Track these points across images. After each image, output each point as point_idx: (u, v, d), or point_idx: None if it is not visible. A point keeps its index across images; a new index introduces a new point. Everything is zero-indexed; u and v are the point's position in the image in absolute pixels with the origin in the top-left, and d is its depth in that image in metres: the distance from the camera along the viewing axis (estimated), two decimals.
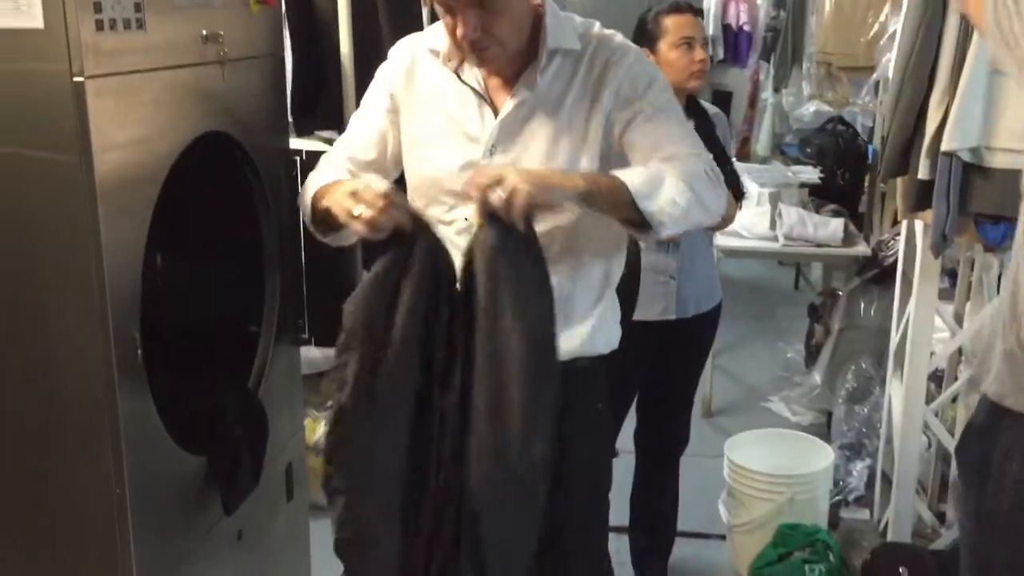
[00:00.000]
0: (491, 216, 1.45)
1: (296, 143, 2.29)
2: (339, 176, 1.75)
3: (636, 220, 1.57)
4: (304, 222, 1.85)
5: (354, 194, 1.53)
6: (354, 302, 1.57)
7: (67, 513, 1.68)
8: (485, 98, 1.73)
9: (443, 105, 1.76)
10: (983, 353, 1.64)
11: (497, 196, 1.42)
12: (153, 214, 1.68)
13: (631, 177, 1.57)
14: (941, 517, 3.00)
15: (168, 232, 1.78)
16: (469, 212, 1.63)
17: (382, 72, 1.84)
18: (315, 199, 1.73)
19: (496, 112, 1.72)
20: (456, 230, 1.72)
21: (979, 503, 1.63)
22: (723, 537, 3.19)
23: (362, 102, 1.88)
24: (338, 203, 1.57)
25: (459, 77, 1.74)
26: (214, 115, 1.87)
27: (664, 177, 1.58)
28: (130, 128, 1.61)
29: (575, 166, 1.69)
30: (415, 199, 1.77)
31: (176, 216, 1.77)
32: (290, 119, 2.41)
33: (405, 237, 1.53)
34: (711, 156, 1.72)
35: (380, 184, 1.55)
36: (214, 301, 2.13)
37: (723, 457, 3.10)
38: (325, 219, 1.70)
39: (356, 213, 1.50)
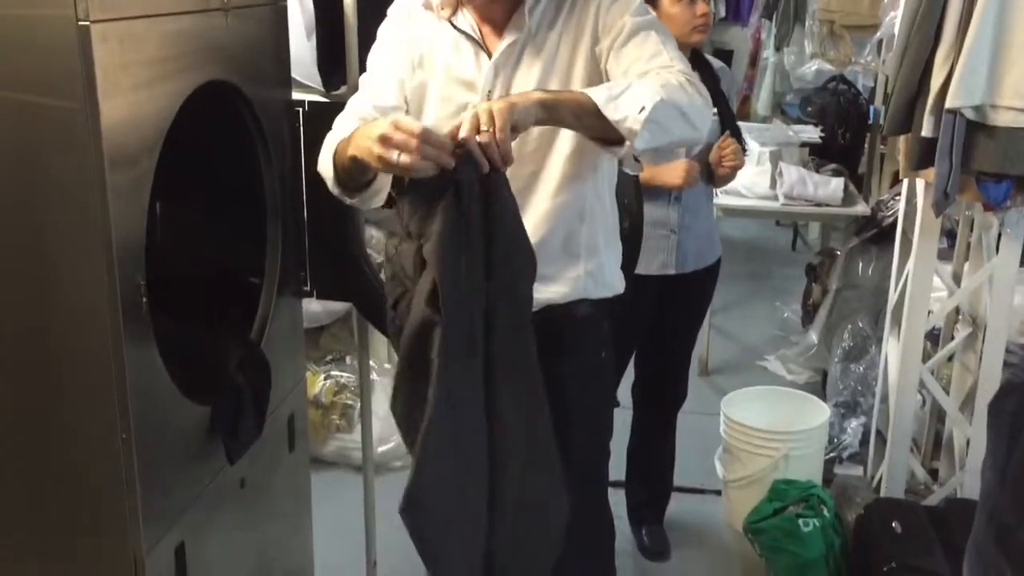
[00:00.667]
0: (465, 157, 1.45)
1: (309, 96, 2.28)
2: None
3: (610, 134, 1.54)
4: (329, 186, 1.72)
5: (384, 139, 1.40)
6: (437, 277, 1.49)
7: (73, 459, 1.70)
8: (480, 43, 1.76)
9: (441, 58, 1.78)
10: None
11: (483, 133, 1.42)
12: (157, 162, 1.68)
13: (594, 89, 1.55)
14: (934, 474, 3.03)
15: (172, 181, 1.78)
16: None
17: (388, 29, 1.85)
18: (338, 154, 1.64)
19: (486, 49, 1.76)
20: None
21: (1008, 457, 1.63)
22: (719, 492, 3.23)
23: (371, 61, 1.86)
24: (366, 149, 1.45)
25: (454, 26, 1.77)
26: (217, 63, 1.86)
27: (631, 84, 1.54)
28: (135, 74, 1.60)
29: None
30: None
31: (179, 165, 1.76)
32: (306, 75, 2.41)
33: (446, 175, 1.44)
34: (690, 69, 1.66)
35: (410, 122, 1.43)
36: (217, 252, 2.13)
37: (719, 414, 3.13)
38: (352, 174, 1.61)
39: (393, 159, 1.39)
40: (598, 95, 1.52)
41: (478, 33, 1.77)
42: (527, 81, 1.74)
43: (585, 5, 1.74)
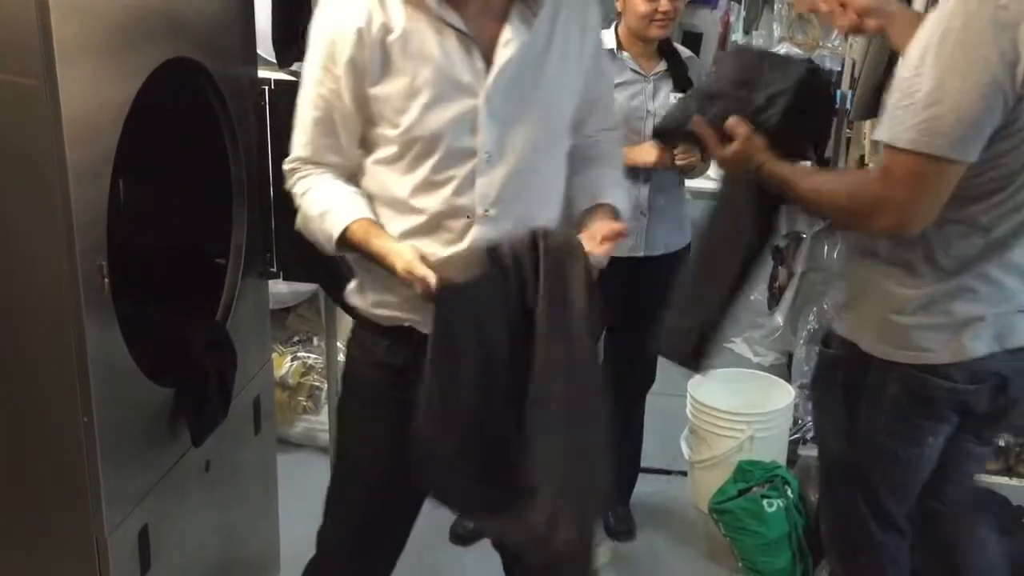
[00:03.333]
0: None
1: (275, 74, 2.24)
2: (355, 204, 1.63)
3: None
4: (327, 249, 1.66)
5: (406, 275, 1.52)
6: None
7: (34, 441, 1.68)
8: (472, 38, 1.56)
9: (425, 53, 1.55)
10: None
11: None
12: (119, 142, 1.65)
13: (619, 202, 1.75)
14: None
15: (135, 160, 1.75)
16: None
17: (326, 43, 1.57)
18: (352, 237, 1.61)
19: (482, 53, 1.58)
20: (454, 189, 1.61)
21: (851, 422, 1.80)
22: (684, 473, 3.25)
23: (314, 79, 1.61)
24: (390, 268, 1.55)
25: (438, 17, 1.55)
26: (181, 40, 1.84)
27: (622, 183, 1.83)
28: (95, 51, 1.57)
29: (569, 109, 1.70)
30: (393, 160, 1.62)
31: (142, 144, 1.74)
32: (272, 51, 2.37)
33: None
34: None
35: (422, 271, 1.50)
36: (182, 232, 2.11)
37: (686, 396, 3.15)
38: (373, 262, 1.62)
39: (418, 292, 1.51)
40: (622, 207, 1.76)
41: (461, 22, 1.55)
42: (531, 93, 1.61)
43: (574, 17, 1.66)
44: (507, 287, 1.54)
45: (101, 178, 1.62)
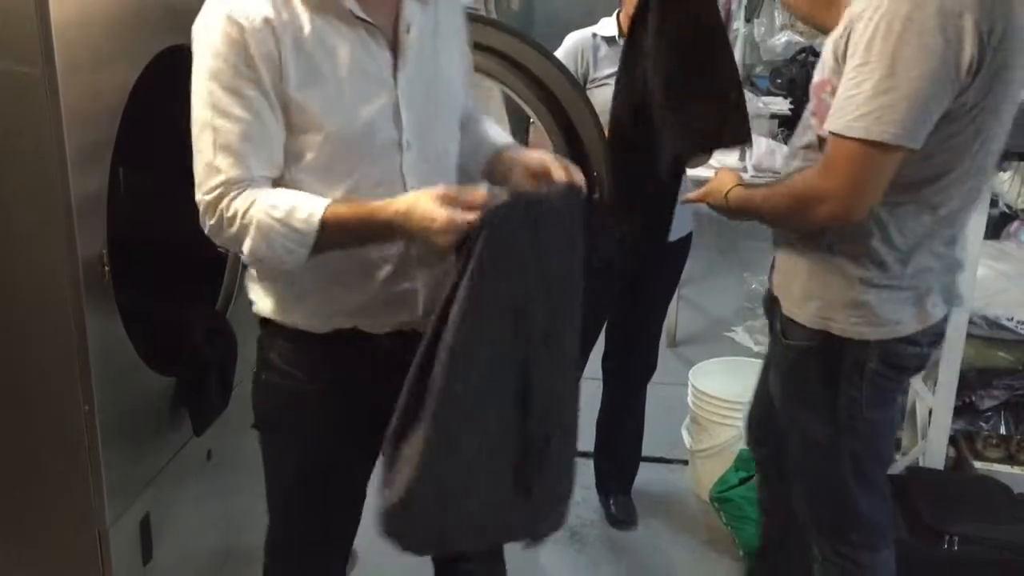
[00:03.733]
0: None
1: None
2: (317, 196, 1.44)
3: None
4: (291, 262, 1.45)
5: (448, 226, 1.32)
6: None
7: (35, 431, 1.68)
8: (379, 27, 1.49)
9: (340, 49, 1.46)
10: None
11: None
12: (119, 130, 1.64)
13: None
14: (896, 443, 3.08)
15: (135, 149, 1.75)
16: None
17: (231, 39, 1.39)
18: (333, 215, 1.41)
19: (387, 40, 1.50)
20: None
21: (834, 407, 1.85)
22: (685, 462, 3.26)
23: (222, 93, 1.41)
24: (421, 238, 1.36)
25: (347, 10, 1.45)
26: (179, 28, 1.82)
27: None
28: (94, 38, 1.57)
29: (462, 87, 1.68)
30: (321, 167, 1.48)
31: (143, 133, 1.73)
32: None
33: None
34: None
35: (467, 194, 1.36)
36: (182, 221, 2.10)
37: (687, 385, 3.15)
38: (351, 239, 1.45)
39: (458, 236, 1.33)
40: None
41: (364, 12, 1.47)
42: (436, 66, 1.57)
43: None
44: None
45: (101, 166, 1.61)
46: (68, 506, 1.70)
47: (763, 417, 2.19)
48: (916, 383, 2.85)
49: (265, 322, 1.65)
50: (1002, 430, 2.92)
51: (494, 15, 4.27)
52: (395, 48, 1.51)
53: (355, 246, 1.48)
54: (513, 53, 2.29)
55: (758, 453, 2.31)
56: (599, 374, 2.95)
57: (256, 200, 1.42)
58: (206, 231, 1.48)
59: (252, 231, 1.41)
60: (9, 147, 1.52)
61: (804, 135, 1.84)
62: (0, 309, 1.61)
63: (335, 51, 1.45)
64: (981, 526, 2.37)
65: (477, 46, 1.88)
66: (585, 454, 3.09)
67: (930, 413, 2.80)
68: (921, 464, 2.83)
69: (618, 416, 3.01)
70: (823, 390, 1.85)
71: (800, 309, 1.87)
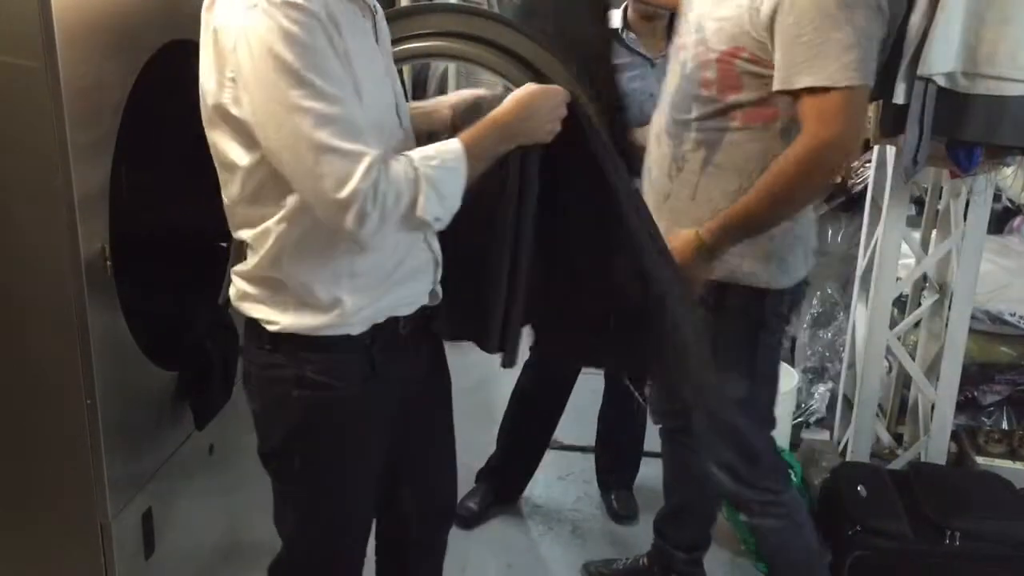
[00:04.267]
0: None
1: None
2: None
3: None
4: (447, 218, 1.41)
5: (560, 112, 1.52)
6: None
7: (38, 425, 1.68)
8: (372, 8, 1.48)
9: (358, 32, 1.43)
10: None
11: None
12: (121, 124, 1.64)
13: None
14: (899, 438, 3.07)
15: (137, 143, 1.74)
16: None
17: (306, 25, 1.29)
18: (467, 143, 1.42)
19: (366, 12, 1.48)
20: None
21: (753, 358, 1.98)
22: None
23: (312, 73, 1.29)
24: (539, 133, 1.52)
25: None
26: (180, 23, 1.82)
27: None
28: (96, 32, 1.56)
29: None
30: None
31: (144, 127, 1.73)
32: None
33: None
34: None
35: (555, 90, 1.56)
36: (184, 215, 2.10)
37: None
38: (488, 151, 1.46)
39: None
40: None
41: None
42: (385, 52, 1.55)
43: None
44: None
45: (103, 160, 1.61)
46: (70, 500, 1.70)
47: None
48: (918, 376, 2.84)
49: (283, 338, 1.48)
50: (1004, 425, 2.92)
51: (496, 9, 4.25)
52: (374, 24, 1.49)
53: (480, 171, 1.44)
54: (515, 47, 2.28)
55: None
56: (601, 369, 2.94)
57: (401, 164, 1.34)
58: (363, 228, 1.31)
59: (424, 189, 1.35)
60: (11, 141, 1.52)
61: (689, 109, 1.87)
62: (2, 303, 1.61)
63: (351, 26, 1.39)
64: (983, 521, 2.37)
65: (479, 40, 1.86)
66: (587, 448, 3.09)
67: (932, 408, 2.80)
68: (923, 459, 2.83)
69: (621, 411, 3.00)
70: (746, 346, 1.96)
71: (738, 269, 1.94)
